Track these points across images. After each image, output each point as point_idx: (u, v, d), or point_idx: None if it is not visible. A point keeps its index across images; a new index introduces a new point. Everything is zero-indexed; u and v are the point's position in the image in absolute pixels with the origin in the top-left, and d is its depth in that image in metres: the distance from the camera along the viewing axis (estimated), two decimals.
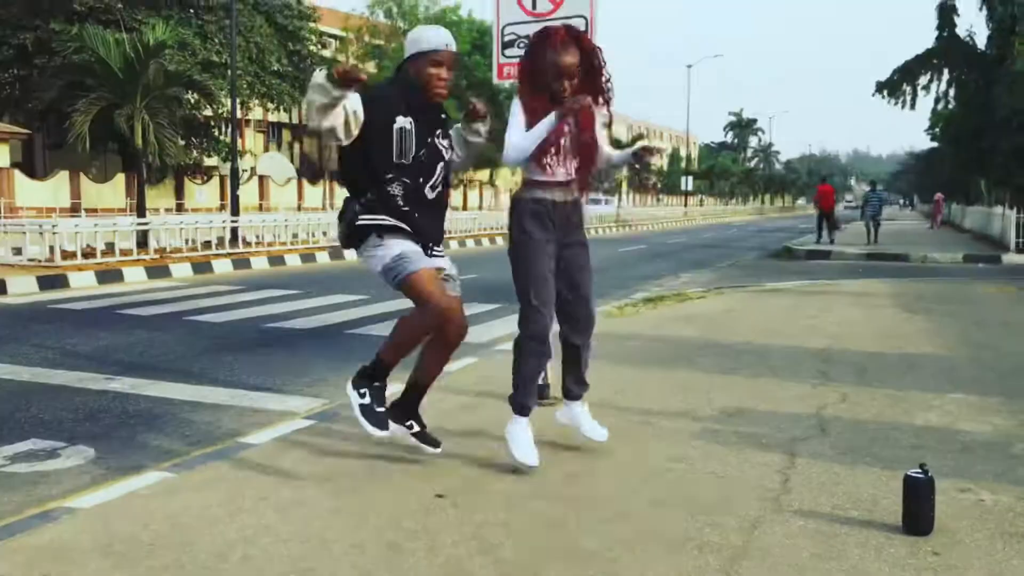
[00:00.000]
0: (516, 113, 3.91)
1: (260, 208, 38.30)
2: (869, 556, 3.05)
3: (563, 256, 4.03)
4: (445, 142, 3.90)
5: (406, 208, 3.71)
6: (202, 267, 16.14)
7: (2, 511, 3.73)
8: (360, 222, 3.69)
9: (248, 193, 38.61)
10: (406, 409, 4.06)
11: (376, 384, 3.85)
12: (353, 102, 3.54)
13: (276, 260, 18.06)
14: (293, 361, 7.29)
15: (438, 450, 4.10)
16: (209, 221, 19.13)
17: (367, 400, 3.80)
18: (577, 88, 3.88)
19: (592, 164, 4.08)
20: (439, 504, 3.56)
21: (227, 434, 4.97)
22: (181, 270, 15.65)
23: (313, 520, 3.38)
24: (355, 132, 3.61)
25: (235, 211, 20.37)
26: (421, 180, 3.75)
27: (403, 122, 3.68)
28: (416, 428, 4.07)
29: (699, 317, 9.29)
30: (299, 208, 39.71)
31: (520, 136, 3.86)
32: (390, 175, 3.68)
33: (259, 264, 17.55)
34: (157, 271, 15.17)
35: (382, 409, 3.81)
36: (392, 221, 3.68)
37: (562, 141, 3.95)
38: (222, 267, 16.60)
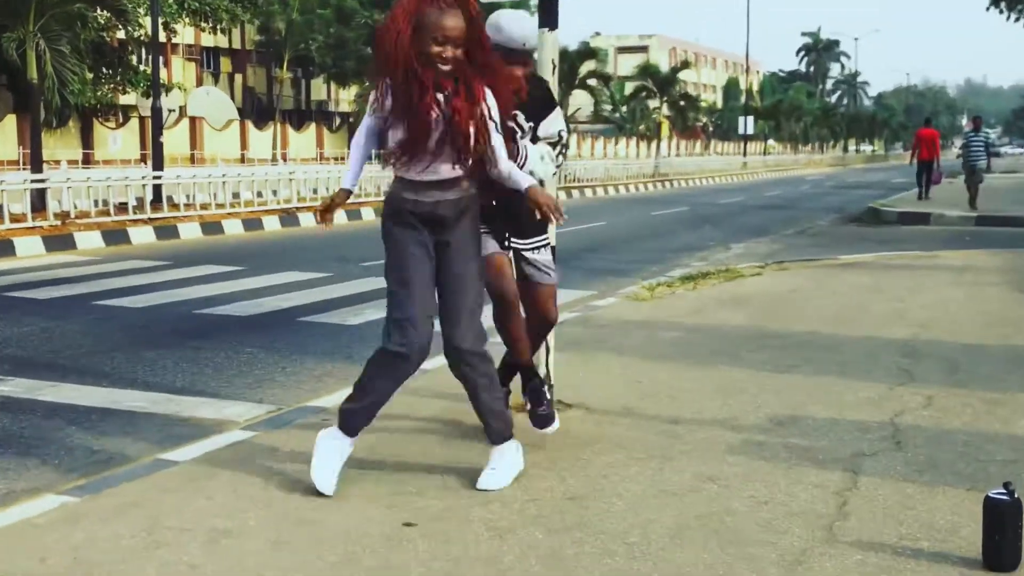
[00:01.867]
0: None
1: (192, 160, 38.41)
2: None
3: (437, 257, 4.23)
4: (521, 121, 4.55)
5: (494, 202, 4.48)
6: (116, 236, 16.27)
7: None
8: None
9: (176, 140, 38.70)
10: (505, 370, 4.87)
11: (531, 386, 4.85)
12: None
13: (212, 227, 18.20)
14: (232, 357, 7.45)
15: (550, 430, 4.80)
16: (125, 177, 19.19)
17: (529, 407, 4.83)
18: (461, 61, 4.03)
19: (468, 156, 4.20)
20: (407, 535, 3.69)
21: (145, 449, 5.10)
22: (89, 240, 15.78)
23: (249, 556, 3.51)
24: None
25: (158, 163, 20.49)
26: None
27: None
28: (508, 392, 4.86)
29: (752, 299, 9.43)
30: (243, 159, 39.81)
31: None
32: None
33: (189, 232, 17.68)
34: (57, 242, 15.31)
35: (543, 409, 4.79)
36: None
37: (431, 138, 4.07)
38: (142, 236, 16.73)
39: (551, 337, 5.50)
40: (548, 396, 4.83)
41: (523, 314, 4.75)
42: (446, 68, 4.02)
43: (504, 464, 4.29)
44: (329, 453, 4.22)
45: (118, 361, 7.32)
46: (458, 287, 4.21)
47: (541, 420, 4.77)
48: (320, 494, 4.08)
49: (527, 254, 4.71)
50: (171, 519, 3.86)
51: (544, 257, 4.77)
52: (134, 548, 3.58)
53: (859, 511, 3.92)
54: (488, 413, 4.29)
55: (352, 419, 4.27)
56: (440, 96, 4.05)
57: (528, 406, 4.81)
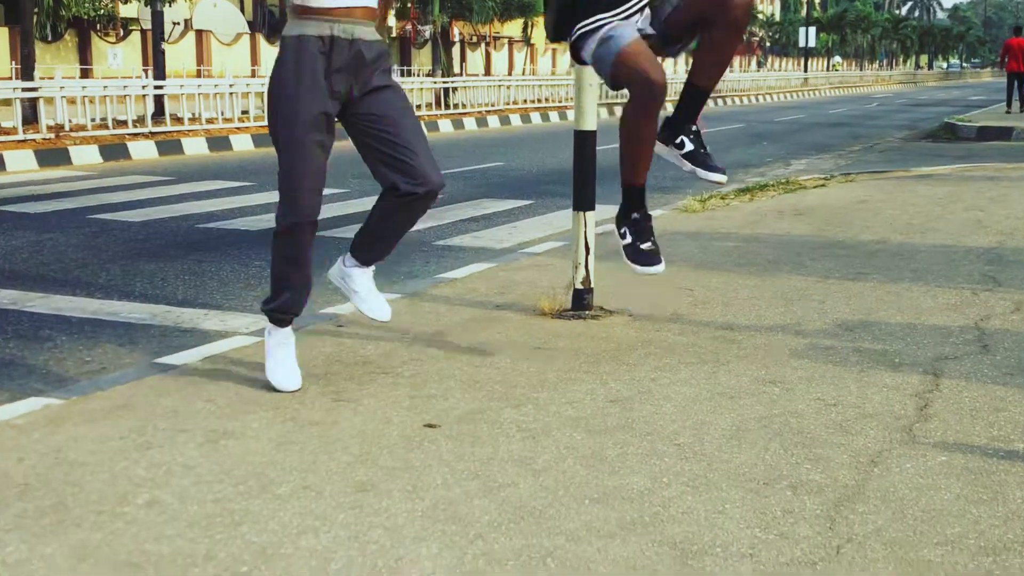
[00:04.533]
0: None
1: (198, 76, 38.31)
2: None
3: (365, 110, 4.06)
4: None
5: None
6: (115, 151, 16.30)
7: None
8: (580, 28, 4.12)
9: (182, 54, 38.58)
10: (676, 125, 4.28)
11: (635, 216, 4.27)
12: None
13: (218, 143, 18.19)
14: (239, 270, 7.40)
15: (722, 178, 4.27)
16: (124, 86, 19.08)
17: (628, 240, 4.27)
18: None
19: None
20: (429, 436, 3.63)
21: (142, 359, 5.05)
22: (85, 155, 15.80)
23: (251, 456, 3.44)
24: None
25: (160, 73, 20.38)
26: None
27: None
28: (688, 147, 4.27)
29: (815, 210, 9.35)
30: (253, 75, 39.62)
31: None
32: None
33: (194, 148, 17.70)
34: (51, 156, 15.32)
35: (648, 245, 4.25)
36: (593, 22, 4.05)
37: None
38: (142, 151, 16.75)
39: (592, 242, 5.38)
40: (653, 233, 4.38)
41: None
42: None
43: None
44: (276, 353, 4.22)
45: (114, 273, 7.26)
46: (410, 123, 4.08)
47: (646, 257, 4.26)
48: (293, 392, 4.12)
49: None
50: (166, 421, 3.80)
51: None
52: (123, 448, 3.52)
53: (942, 413, 3.83)
54: (397, 240, 4.29)
55: (270, 307, 4.24)
56: None
57: (628, 240, 4.29)
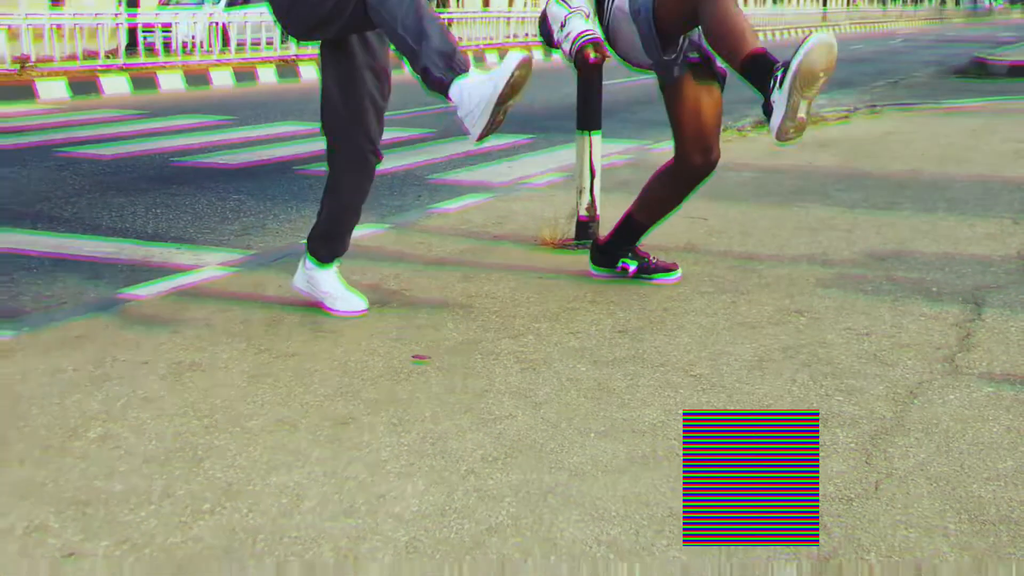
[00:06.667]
0: None
1: None
2: None
3: None
4: None
5: None
6: (85, 86, 16.13)
7: None
8: None
9: None
10: (612, 252, 4.66)
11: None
12: None
13: (196, 78, 18.04)
14: (216, 204, 7.29)
15: (679, 276, 4.61)
16: (95, 15, 18.85)
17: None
18: None
19: None
20: (417, 368, 3.52)
21: (105, 294, 4.91)
22: (52, 90, 15.65)
23: (219, 389, 3.32)
24: None
25: (134, 1, 20.17)
26: None
27: None
28: (633, 266, 4.61)
29: (840, 142, 9.25)
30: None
31: None
32: None
33: (170, 83, 17.54)
34: (16, 92, 15.17)
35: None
36: None
37: None
38: (114, 87, 16.60)
39: (598, 165, 5.24)
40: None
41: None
42: None
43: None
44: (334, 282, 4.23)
45: (79, 208, 7.13)
46: None
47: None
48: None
49: None
50: (126, 353, 3.67)
51: None
52: (76, 381, 3.39)
53: (987, 343, 3.73)
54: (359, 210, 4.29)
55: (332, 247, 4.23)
56: None
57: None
